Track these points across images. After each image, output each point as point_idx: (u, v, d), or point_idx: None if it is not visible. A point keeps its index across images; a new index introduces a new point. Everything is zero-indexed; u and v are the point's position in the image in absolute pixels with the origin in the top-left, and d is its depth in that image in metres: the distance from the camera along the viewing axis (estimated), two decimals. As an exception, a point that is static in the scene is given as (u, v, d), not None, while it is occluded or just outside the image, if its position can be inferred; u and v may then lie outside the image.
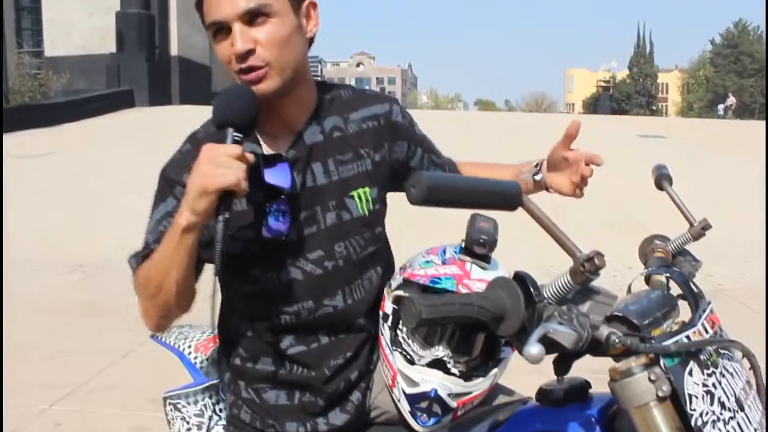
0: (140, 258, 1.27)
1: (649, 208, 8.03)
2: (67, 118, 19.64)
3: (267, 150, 1.30)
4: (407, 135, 1.43)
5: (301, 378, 1.35)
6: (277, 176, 1.20)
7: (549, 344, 0.82)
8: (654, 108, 69.20)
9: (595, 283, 0.88)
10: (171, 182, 1.29)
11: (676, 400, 0.91)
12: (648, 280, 1.22)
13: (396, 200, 1.33)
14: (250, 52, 1.20)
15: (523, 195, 0.81)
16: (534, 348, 0.78)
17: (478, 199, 0.78)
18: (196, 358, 1.63)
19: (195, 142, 1.30)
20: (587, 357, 0.91)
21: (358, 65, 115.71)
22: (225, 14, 1.19)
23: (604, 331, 0.88)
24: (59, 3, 27.38)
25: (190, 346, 1.65)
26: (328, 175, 1.32)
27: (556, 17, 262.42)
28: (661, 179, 1.41)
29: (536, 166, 1.50)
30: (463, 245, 1.28)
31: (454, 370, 1.25)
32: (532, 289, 0.81)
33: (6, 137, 16.66)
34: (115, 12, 25.33)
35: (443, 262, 1.28)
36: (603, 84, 55.60)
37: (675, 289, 1.14)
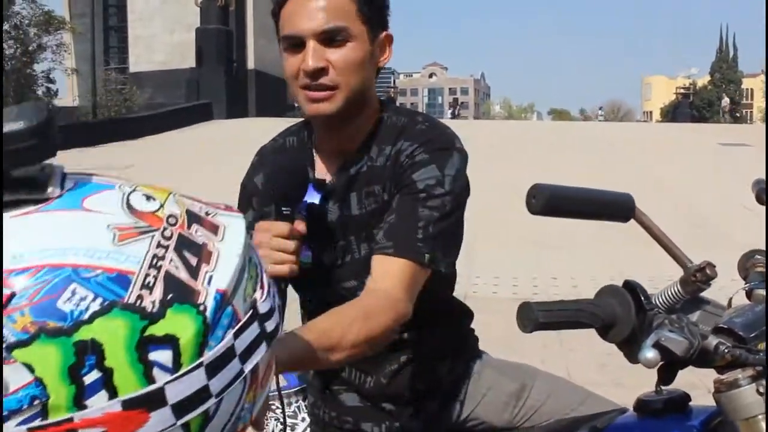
0: None
1: (732, 219, 7.76)
2: (148, 131, 20.41)
3: (320, 167, 1.33)
4: (397, 179, 1.27)
5: (363, 384, 1.37)
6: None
7: (660, 351, 0.83)
8: (738, 115, 66.64)
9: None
10: (245, 192, 1.40)
11: (786, 414, 0.90)
12: (749, 295, 1.20)
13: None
14: (322, 72, 1.19)
15: (636, 206, 0.82)
16: (650, 352, 0.79)
17: (592, 210, 0.80)
18: (290, 361, 1.69)
19: (260, 154, 1.41)
20: (685, 371, 0.91)
21: (430, 76, 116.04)
22: (302, 29, 1.19)
23: (713, 341, 0.88)
24: (144, 21, 28.62)
25: (284, 350, 1.71)
26: (361, 206, 1.30)
27: (633, 23, 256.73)
28: (762, 193, 1.38)
29: None
30: None
31: None
32: (642, 298, 0.82)
33: (92, 150, 17.48)
34: (194, 28, 26.25)
35: None
36: (682, 91, 53.91)
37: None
